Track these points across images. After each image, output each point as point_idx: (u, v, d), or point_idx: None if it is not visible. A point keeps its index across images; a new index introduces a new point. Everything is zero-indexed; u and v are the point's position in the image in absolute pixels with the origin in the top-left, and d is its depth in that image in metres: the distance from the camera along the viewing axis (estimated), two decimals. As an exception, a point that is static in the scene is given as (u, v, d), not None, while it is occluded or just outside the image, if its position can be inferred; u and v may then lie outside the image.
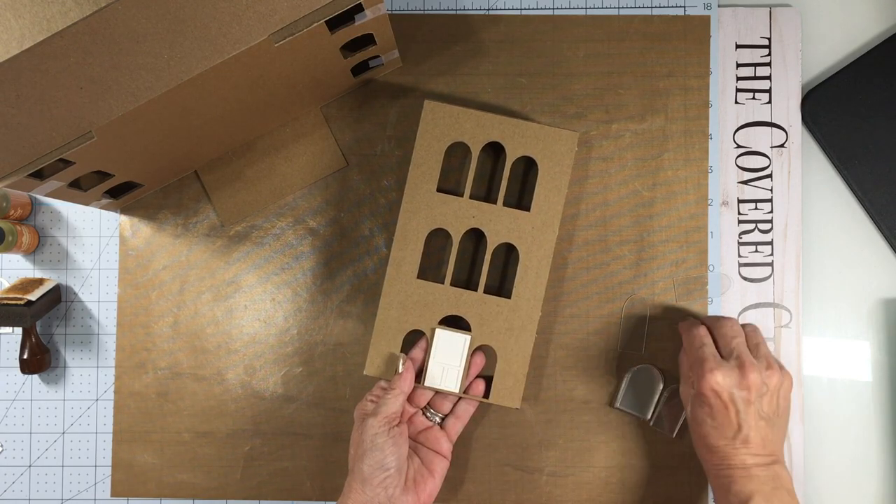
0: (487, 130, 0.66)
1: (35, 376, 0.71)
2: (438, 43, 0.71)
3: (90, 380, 0.71)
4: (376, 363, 0.66)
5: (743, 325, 0.64)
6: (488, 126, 0.66)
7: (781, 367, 0.61)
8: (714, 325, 0.63)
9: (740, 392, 0.58)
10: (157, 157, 0.64)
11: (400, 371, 0.63)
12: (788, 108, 0.71)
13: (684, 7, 0.71)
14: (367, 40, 0.62)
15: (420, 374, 0.65)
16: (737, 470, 0.58)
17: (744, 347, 0.60)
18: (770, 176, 0.71)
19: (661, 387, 0.69)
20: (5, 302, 0.66)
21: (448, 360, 0.64)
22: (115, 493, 0.70)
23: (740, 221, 0.71)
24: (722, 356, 0.60)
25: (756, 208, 0.71)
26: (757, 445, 0.58)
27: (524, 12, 0.71)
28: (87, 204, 0.67)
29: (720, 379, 0.58)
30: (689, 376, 0.62)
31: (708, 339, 0.62)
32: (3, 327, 0.71)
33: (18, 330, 0.71)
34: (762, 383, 0.59)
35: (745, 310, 0.70)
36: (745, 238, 0.70)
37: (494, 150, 0.69)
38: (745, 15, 0.71)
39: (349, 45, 0.61)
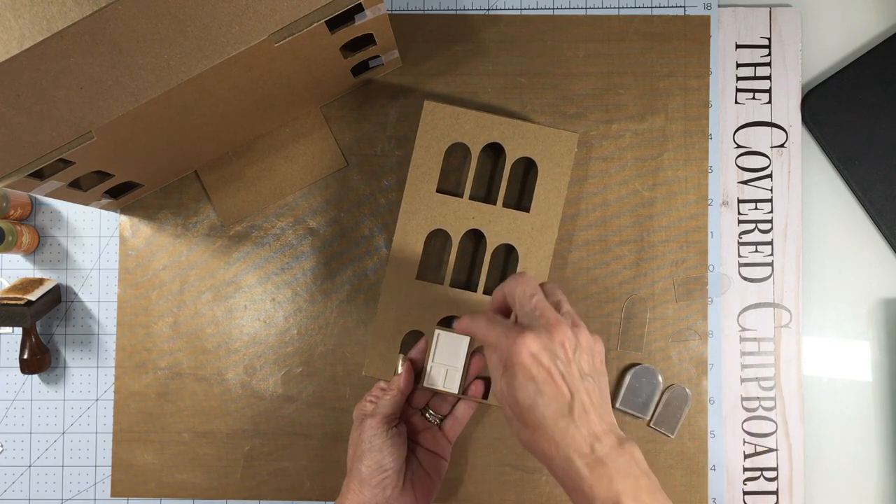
0: (487, 131, 0.66)
1: (35, 376, 0.71)
2: (438, 43, 0.71)
3: (90, 380, 0.71)
4: (375, 363, 0.66)
5: (540, 285, 0.55)
6: (488, 127, 0.66)
7: (585, 326, 0.53)
8: (507, 290, 0.55)
9: (557, 350, 0.50)
10: (157, 157, 0.64)
11: (399, 372, 0.63)
12: (788, 108, 0.71)
13: (684, 7, 0.71)
14: (367, 40, 0.62)
15: (419, 374, 0.65)
16: (587, 462, 0.48)
17: (545, 303, 0.52)
18: (770, 176, 0.71)
19: (661, 387, 0.69)
20: (5, 302, 0.66)
21: (448, 361, 0.64)
22: (115, 493, 0.70)
23: (740, 221, 0.71)
24: (523, 321, 0.53)
25: (756, 208, 0.71)
26: (595, 417, 0.49)
27: (524, 12, 0.71)
28: (87, 204, 0.67)
29: (532, 342, 0.49)
30: (497, 366, 0.53)
31: (499, 316, 0.55)
32: (3, 327, 0.71)
33: (18, 330, 0.71)
34: (574, 339, 0.51)
35: (744, 310, 0.70)
36: (745, 238, 0.70)
37: (494, 151, 0.69)
38: (745, 15, 0.71)
39: (349, 45, 0.61)
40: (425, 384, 0.64)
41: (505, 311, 0.57)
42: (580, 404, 0.49)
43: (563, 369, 0.50)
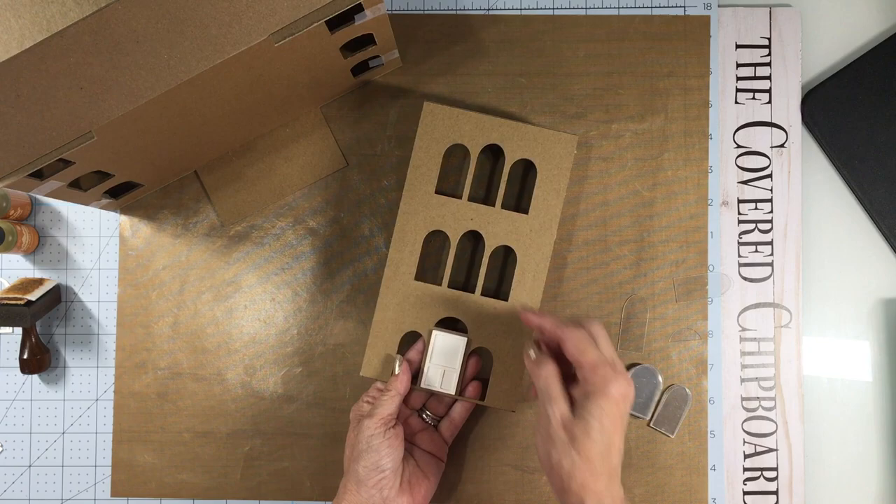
0: (486, 133, 0.66)
1: (35, 376, 0.71)
2: (438, 43, 0.71)
3: (90, 380, 0.71)
4: (373, 364, 0.66)
5: (586, 326, 0.57)
6: (487, 128, 0.66)
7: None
8: (566, 337, 0.56)
9: (629, 407, 0.53)
10: (157, 157, 0.64)
11: (396, 372, 0.63)
12: (788, 108, 0.71)
13: (684, 7, 0.71)
14: (367, 40, 0.62)
15: (416, 375, 0.65)
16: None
17: (614, 352, 0.56)
18: (770, 176, 0.71)
19: (661, 387, 0.69)
20: (5, 302, 0.66)
21: (445, 362, 0.64)
22: (115, 493, 0.70)
23: (740, 221, 0.71)
24: (587, 374, 0.54)
25: (756, 208, 0.71)
26: (616, 484, 0.53)
27: (524, 12, 0.71)
28: (87, 204, 0.67)
29: (627, 387, 0.52)
30: (571, 384, 0.55)
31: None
32: (3, 327, 0.71)
33: (18, 330, 0.71)
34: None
35: (745, 310, 0.70)
36: (745, 238, 0.70)
37: (493, 153, 0.69)
38: (745, 15, 0.71)
39: (349, 45, 0.61)
40: (422, 385, 0.64)
41: (549, 345, 0.59)
42: (618, 466, 0.52)
43: (623, 426, 0.53)
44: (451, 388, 0.64)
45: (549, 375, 0.55)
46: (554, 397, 0.54)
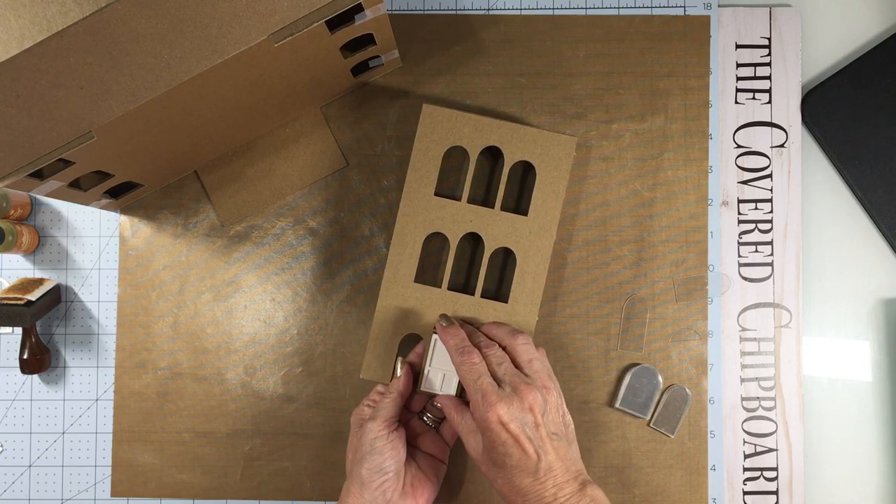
0: (485, 134, 0.66)
1: (35, 376, 0.71)
2: (438, 43, 0.71)
3: (90, 380, 0.71)
4: (373, 367, 0.66)
5: (514, 336, 0.61)
6: (486, 130, 0.66)
7: (553, 380, 0.59)
8: (482, 348, 0.60)
9: (526, 417, 0.55)
10: (157, 157, 0.64)
11: (398, 374, 0.63)
12: (788, 108, 0.71)
13: (684, 7, 0.71)
14: (367, 40, 0.62)
15: (417, 378, 0.65)
16: None
17: (512, 370, 0.58)
18: (770, 176, 0.71)
19: (661, 387, 0.69)
20: (5, 302, 0.66)
21: (445, 365, 0.64)
22: (115, 493, 0.70)
23: (740, 221, 0.71)
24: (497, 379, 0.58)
25: (756, 208, 0.71)
26: (560, 471, 0.55)
27: (524, 12, 0.71)
28: (87, 204, 0.67)
29: (503, 411, 0.55)
30: (471, 428, 0.59)
31: (483, 367, 0.58)
32: (3, 327, 0.71)
33: (18, 330, 0.71)
34: (542, 400, 0.56)
35: (744, 310, 0.70)
36: (745, 238, 0.70)
37: (493, 154, 0.69)
38: (745, 15, 0.71)
39: (349, 45, 0.61)
40: (423, 388, 0.64)
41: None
42: (546, 464, 0.55)
43: (531, 434, 0.55)
44: (451, 390, 0.64)
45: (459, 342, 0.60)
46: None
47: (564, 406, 0.59)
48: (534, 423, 0.56)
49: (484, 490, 0.69)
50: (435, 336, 0.64)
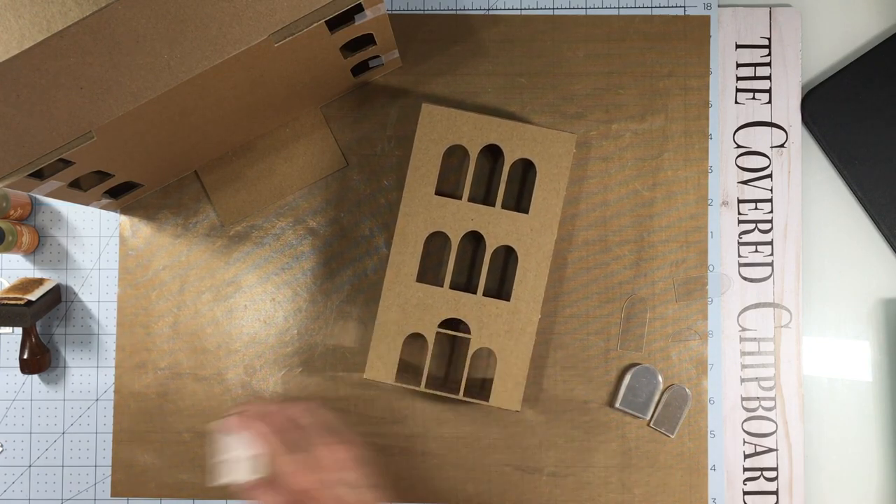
0: (485, 133, 0.66)
1: (35, 376, 0.71)
2: (438, 43, 0.71)
3: (90, 380, 0.71)
4: (376, 367, 0.66)
5: (291, 407, 0.58)
6: (486, 128, 0.66)
7: (340, 437, 0.57)
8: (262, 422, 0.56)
9: (322, 477, 0.54)
10: (157, 157, 0.64)
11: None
12: (788, 108, 0.71)
13: (684, 7, 0.71)
14: (367, 40, 0.62)
15: (421, 376, 0.65)
16: None
17: (298, 435, 0.56)
18: (770, 176, 0.71)
19: (661, 387, 0.69)
20: (5, 302, 0.66)
21: (238, 452, 0.56)
22: (115, 493, 0.70)
23: (740, 221, 0.71)
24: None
25: (756, 208, 0.71)
26: None
27: (524, 12, 0.71)
28: (87, 204, 0.67)
29: (299, 475, 0.54)
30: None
31: (270, 437, 0.56)
32: (3, 327, 0.71)
33: (18, 330, 0.71)
34: (333, 458, 0.55)
35: (744, 310, 0.70)
36: (745, 238, 0.70)
37: (493, 153, 0.69)
38: (745, 15, 0.71)
39: (349, 45, 0.61)
40: (423, 388, 0.64)
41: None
42: None
43: (328, 493, 0.53)
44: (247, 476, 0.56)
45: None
46: None
47: (356, 457, 0.57)
48: (331, 482, 0.54)
49: (485, 489, 0.69)
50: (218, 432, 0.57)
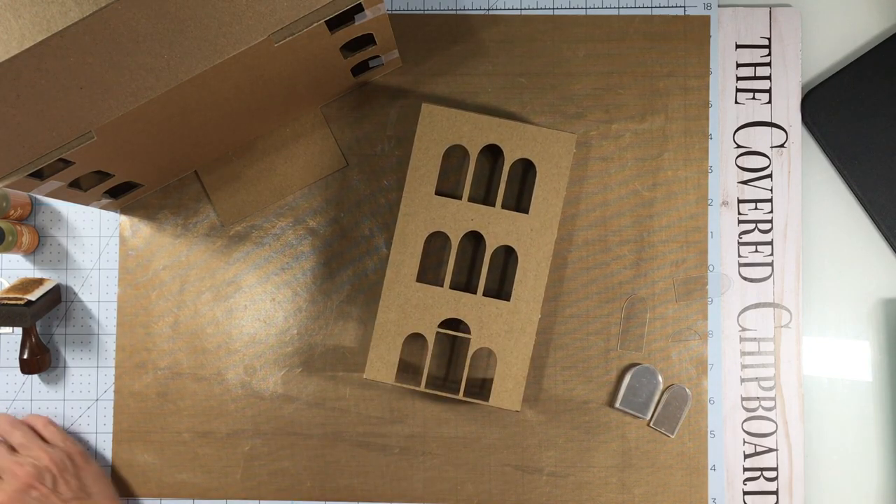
0: (485, 133, 0.66)
1: (35, 376, 0.71)
2: (438, 43, 0.71)
3: (90, 380, 0.71)
4: (376, 367, 0.66)
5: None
6: (486, 128, 0.66)
7: (62, 442, 0.57)
8: None
9: (29, 493, 0.54)
10: (157, 157, 0.64)
11: None
12: (788, 108, 0.71)
13: (684, 7, 0.71)
14: (367, 40, 0.62)
15: (420, 376, 0.65)
16: None
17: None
18: (770, 176, 0.71)
19: (661, 387, 0.69)
20: (5, 302, 0.66)
21: None
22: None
23: (740, 221, 0.71)
24: None
25: (756, 208, 0.71)
26: None
27: (524, 12, 0.71)
28: (87, 204, 0.67)
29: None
30: None
31: None
32: (3, 327, 0.71)
33: (18, 330, 0.71)
34: (38, 471, 0.55)
35: (744, 310, 0.70)
36: (745, 238, 0.70)
37: (492, 153, 0.69)
38: (745, 15, 0.71)
39: (349, 45, 0.61)
40: (423, 387, 0.64)
41: None
42: None
43: None
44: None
45: None
46: None
47: (85, 460, 0.58)
48: (40, 497, 0.55)
49: (484, 489, 0.69)
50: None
